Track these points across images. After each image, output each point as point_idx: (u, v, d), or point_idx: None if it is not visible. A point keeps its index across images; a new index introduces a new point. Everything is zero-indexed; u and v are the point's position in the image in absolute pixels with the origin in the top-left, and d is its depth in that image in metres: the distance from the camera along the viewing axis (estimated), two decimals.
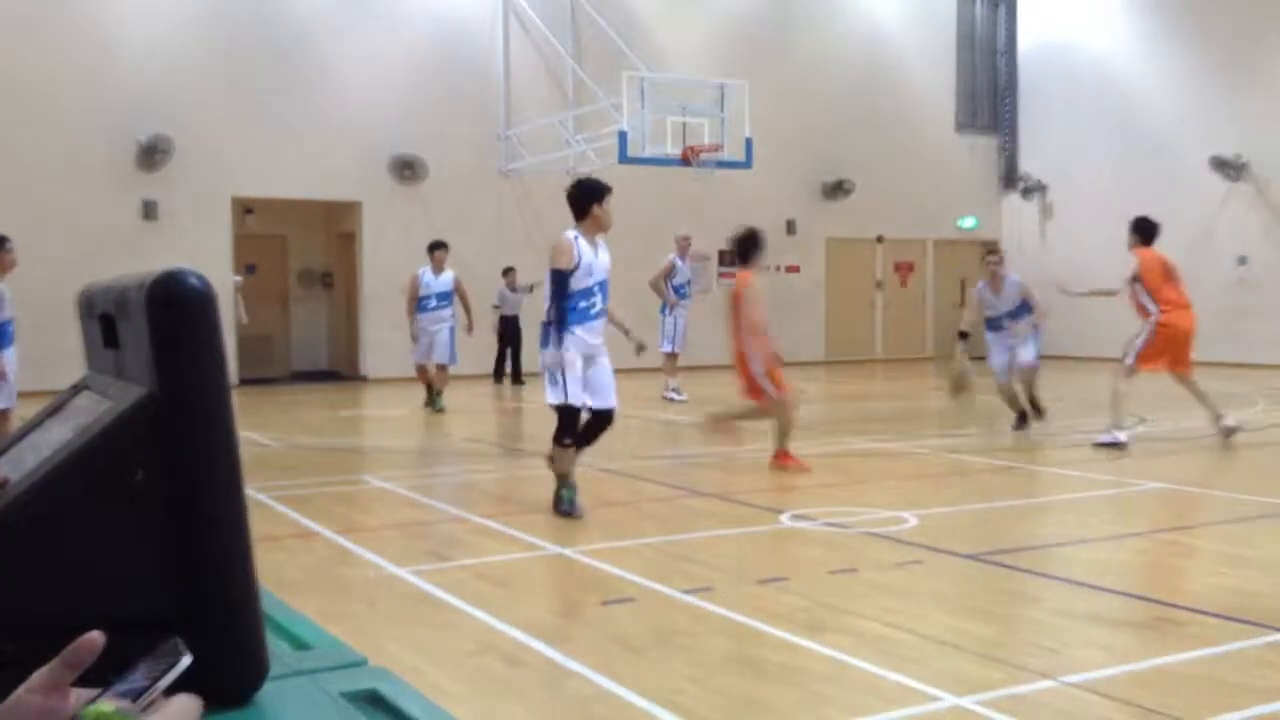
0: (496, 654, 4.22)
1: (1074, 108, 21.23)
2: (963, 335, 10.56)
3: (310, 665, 1.22)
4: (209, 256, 15.33)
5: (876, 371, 19.69)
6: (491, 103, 18.11)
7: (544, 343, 6.66)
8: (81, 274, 2.44)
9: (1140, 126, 19.88)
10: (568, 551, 5.92)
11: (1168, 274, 9.50)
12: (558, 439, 6.67)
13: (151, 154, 15.81)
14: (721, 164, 15.79)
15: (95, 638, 0.85)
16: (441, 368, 12.86)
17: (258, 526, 1.06)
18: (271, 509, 7.00)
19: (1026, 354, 10.22)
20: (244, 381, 16.12)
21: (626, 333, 7.05)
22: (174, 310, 1.07)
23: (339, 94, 17.03)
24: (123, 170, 15.81)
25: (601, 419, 6.72)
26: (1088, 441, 9.51)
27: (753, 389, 8.43)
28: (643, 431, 10.97)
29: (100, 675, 0.86)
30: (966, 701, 3.58)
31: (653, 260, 13.98)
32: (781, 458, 8.39)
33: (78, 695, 0.86)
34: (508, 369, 16.45)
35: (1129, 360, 9.43)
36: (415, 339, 12.78)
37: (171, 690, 0.87)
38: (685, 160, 15.34)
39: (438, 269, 12.81)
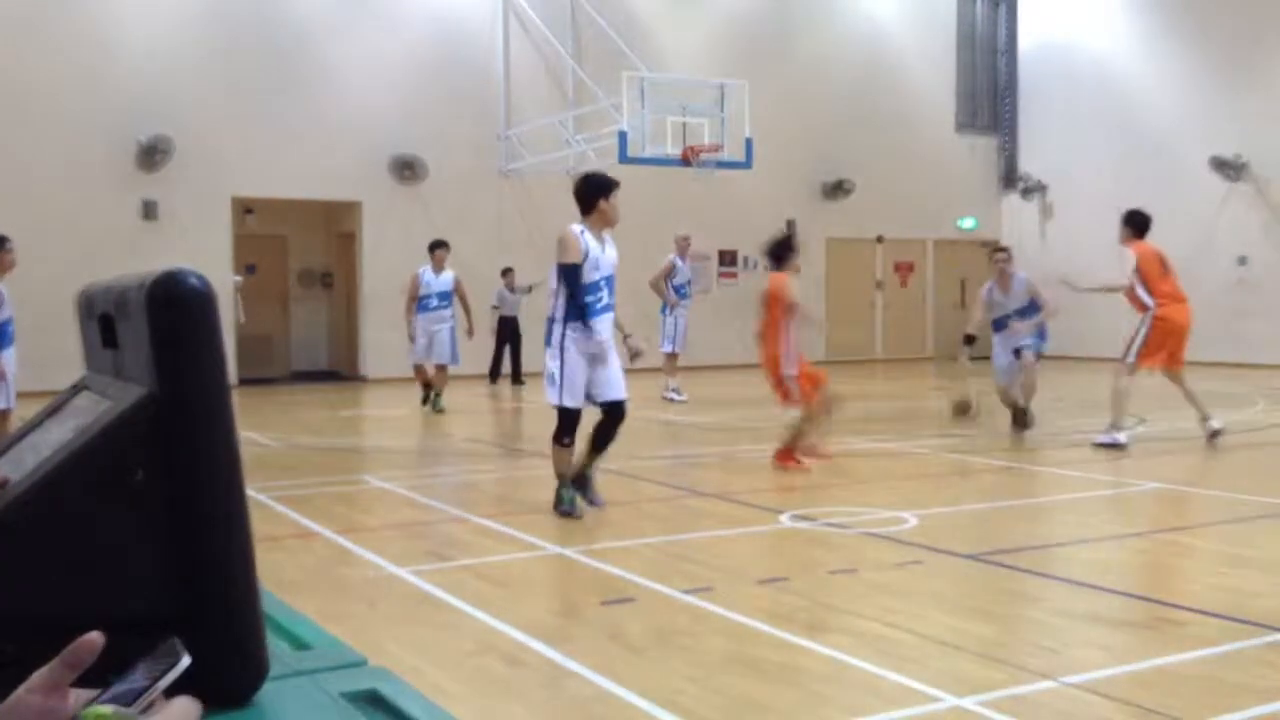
0: (496, 654, 4.22)
1: (1074, 108, 21.23)
2: (969, 339, 10.44)
3: (310, 665, 1.22)
4: (209, 256, 15.33)
5: (876, 371, 19.68)
6: (491, 103, 18.12)
7: (548, 340, 6.63)
8: (81, 274, 2.44)
9: (1140, 126, 19.88)
10: (568, 551, 5.92)
11: (1164, 267, 9.46)
12: (557, 438, 6.66)
13: (151, 154, 15.81)
14: (721, 164, 15.79)
15: (95, 638, 0.85)
16: (441, 368, 12.84)
17: (258, 526, 1.06)
18: (271, 509, 7.00)
19: (1025, 340, 10.11)
20: (244, 381, 16.12)
21: (626, 336, 6.96)
22: (174, 310, 1.07)
23: (339, 94, 17.04)
24: (123, 170, 15.81)
25: (612, 415, 6.64)
26: (1087, 441, 9.50)
27: (783, 390, 8.32)
28: (643, 431, 10.96)
29: (100, 675, 0.86)
30: (966, 702, 3.58)
31: (652, 260, 13.98)
32: (783, 457, 8.34)
33: (77, 696, 0.86)
34: (505, 369, 16.43)
35: (1130, 359, 9.40)
36: (412, 338, 12.77)
37: (171, 691, 0.87)
38: (685, 160, 15.34)
39: (438, 268, 12.80)
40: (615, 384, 6.60)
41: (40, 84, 15.24)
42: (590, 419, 6.77)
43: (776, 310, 8.29)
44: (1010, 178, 22.63)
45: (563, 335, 6.53)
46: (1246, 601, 4.78)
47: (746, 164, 15.64)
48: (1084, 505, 7.54)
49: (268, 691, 1.11)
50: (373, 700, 1.13)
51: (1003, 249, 10.82)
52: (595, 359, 6.57)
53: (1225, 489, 7.59)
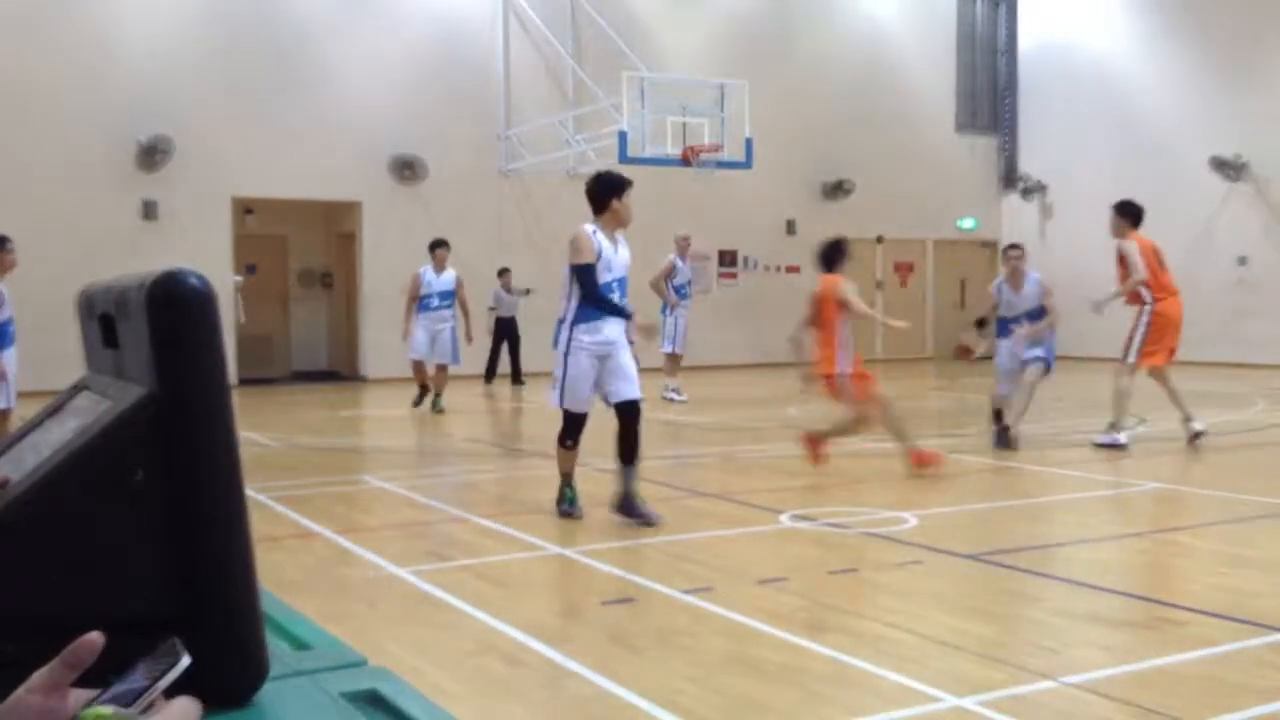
0: (496, 654, 4.22)
1: (1074, 108, 21.23)
2: (980, 322, 10.18)
3: (310, 665, 1.22)
4: (209, 256, 15.33)
5: (876, 371, 19.64)
6: (491, 103, 18.11)
7: (555, 343, 6.53)
8: (81, 274, 2.44)
9: (1140, 126, 19.88)
10: (568, 551, 5.92)
11: (1159, 259, 9.38)
12: (560, 440, 6.63)
13: (151, 154, 15.81)
14: (721, 164, 15.79)
15: (95, 638, 0.85)
16: (442, 368, 12.81)
17: (258, 526, 1.06)
18: (271, 509, 7.00)
19: (1036, 351, 9.62)
20: (244, 381, 16.12)
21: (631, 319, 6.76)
22: (174, 310, 1.07)
23: (339, 94, 17.04)
24: (123, 170, 15.82)
25: (624, 417, 6.45)
26: (1087, 441, 9.50)
27: (834, 389, 8.20)
28: (643, 432, 10.94)
29: (100, 675, 0.86)
30: (966, 702, 3.58)
31: (653, 260, 13.97)
32: (811, 442, 8.25)
33: (77, 696, 0.86)
34: (501, 369, 16.35)
35: (1131, 359, 9.36)
36: (407, 336, 12.70)
37: (171, 691, 0.87)
38: (685, 160, 15.34)
39: (439, 267, 12.79)
40: (627, 384, 6.44)
41: (40, 84, 15.25)
42: (595, 424, 6.72)
43: (829, 310, 8.16)
44: (1010, 178, 22.64)
45: (569, 339, 6.42)
46: (1246, 601, 4.78)
47: (746, 164, 15.64)
48: (1084, 505, 7.54)
49: (268, 691, 1.11)
50: (373, 700, 1.13)
51: (1016, 245, 10.22)
52: (605, 360, 6.43)
53: (1225, 489, 7.59)
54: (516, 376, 16.22)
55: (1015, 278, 9.73)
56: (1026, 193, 22.25)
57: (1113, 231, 9.50)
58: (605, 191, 6.47)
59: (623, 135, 14.82)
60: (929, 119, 21.93)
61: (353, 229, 17.82)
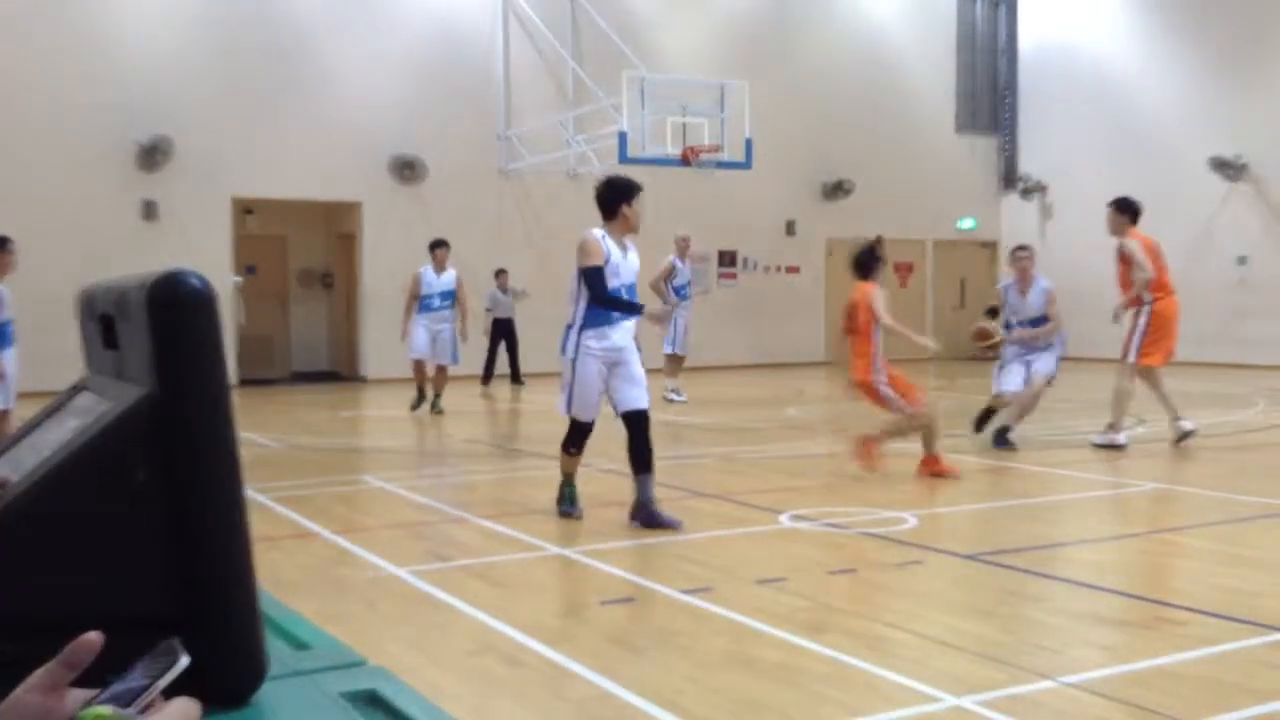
0: (496, 654, 4.22)
1: (1074, 108, 21.24)
2: (993, 311, 10.01)
3: (309, 665, 1.22)
4: (209, 257, 15.34)
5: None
6: (491, 103, 18.12)
7: (563, 348, 6.45)
8: (82, 274, 2.45)
9: (1140, 127, 19.89)
10: (568, 552, 5.92)
11: (1159, 257, 9.31)
12: (564, 446, 6.59)
13: (151, 154, 15.82)
14: (721, 164, 15.79)
15: (94, 638, 0.86)
16: (442, 369, 12.79)
17: (257, 526, 1.06)
18: (271, 509, 7.00)
19: (1045, 364, 9.44)
20: (244, 382, 16.13)
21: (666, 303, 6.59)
22: (174, 311, 1.08)
23: (339, 94, 17.04)
24: (123, 170, 15.82)
25: (633, 426, 6.33)
26: (1087, 442, 9.50)
27: (877, 397, 8.06)
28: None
29: (99, 675, 0.86)
30: (966, 701, 3.58)
31: (653, 261, 13.96)
32: (865, 445, 8.02)
33: (75, 696, 0.86)
34: (501, 370, 16.34)
35: (1132, 359, 9.33)
36: (405, 336, 12.66)
37: (170, 691, 0.87)
38: (685, 160, 15.33)
39: (439, 267, 12.77)
40: (635, 392, 6.34)
41: (41, 84, 15.25)
42: (599, 424, 6.69)
43: (864, 318, 8.07)
44: (1010, 178, 22.64)
45: (577, 345, 6.34)
46: (1245, 601, 4.78)
47: (746, 164, 15.64)
48: (1083, 505, 7.55)
49: (267, 691, 1.11)
50: (371, 700, 1.14)
51: (1024, 247, 9.96)
52: (614, 367, 6.33)
53: (1224, 489, 7.59)
54: (516, 376, 16.22)
55: (1024, 280, 9.56)
56: (1026, 193, 22.26)
57: (1112, 230, 9.39)
58: (615, 197, 6.39)
59: (623, 135, 14.82)
60: (929, 119, 21.93)
61: (353, 229, 17.83)
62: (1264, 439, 10.34)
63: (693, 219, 16.86)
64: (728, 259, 20.30)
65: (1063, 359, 9.81)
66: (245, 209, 17.41)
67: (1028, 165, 22.38)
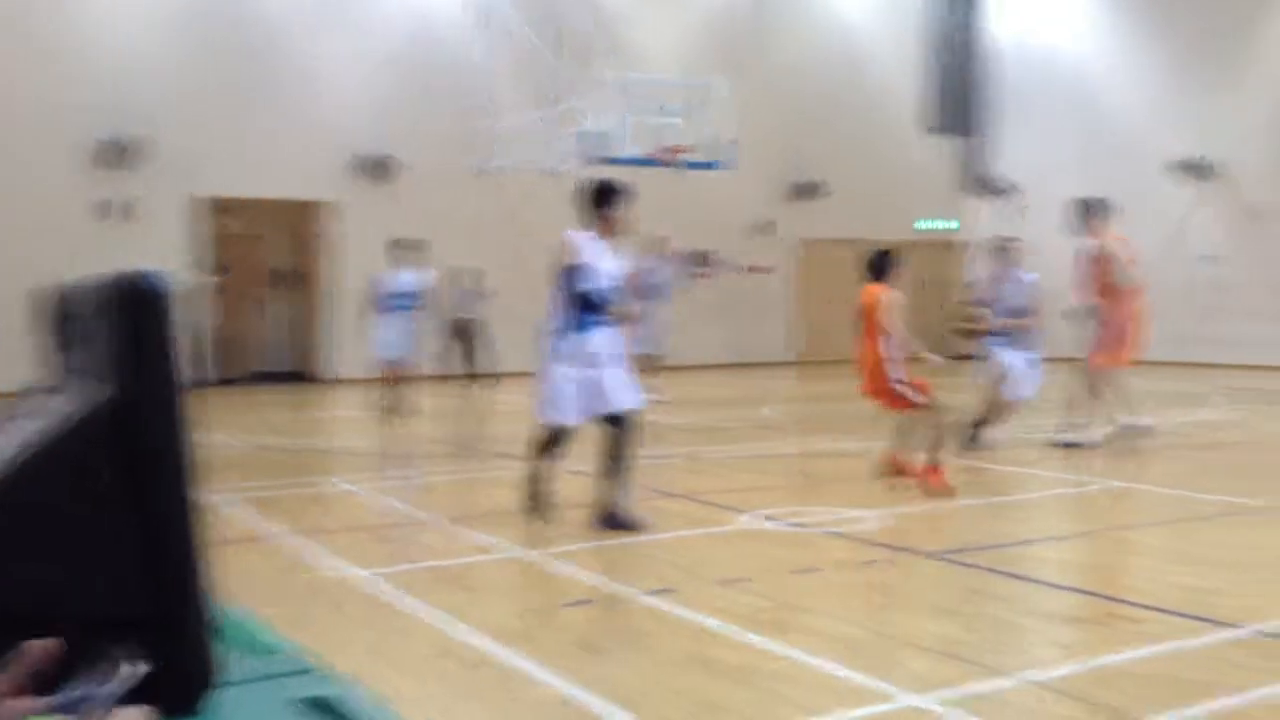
0: (457, 658, 4.21)
1: (1045, 109, 21.39)
2: (981, 302, 9.96)
3: (268, 670, 1.21)
4: (179, 256, 15.23)
5: (850, 372, 19.74)
6: (467, 101, 18.04)
7: (541, 353, 6.40)
8: (47, 274, 2.42)
9: (1110, 127, 20.05)
10: (532, 554, 5.91)
11: (1116, 260, 9.37)
12: (538, 451, 6.50)
13: (122, 153, 15.68)
14: (696, 165, 15.79)
15: (44, 644, 0.85)
16: (406, 369, 12.64)
17: (220, 529, 1.05)
18: (234, 511, 6.95)
19: (1027, 387, 9.35)
20: (222, 381, 15.99)
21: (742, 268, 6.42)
22: (136, 310, 1.07)
23: (312, 92, 16.95)
24: (91, 169, 15.68)
25: (618, 429, 6.26)
26: (1051, 441, 9.56)
27: (894, 399, 7.69)
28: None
29: (52, 682, 0.85)
30: (925, 700, 3.60)
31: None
32: (929, 474, 7.48)
33: (21, 705, 0.85)
34: (468, 370, 16.21)
35: (1098, 359, 9.38)
36: (372, 338, 12.52)
37: (125, 699, 0.86)
38: (662, 160, 15.33)
39: (405, 267, 12.67)
40: (615, 394, 6.22)
41: (9, 82, 15.09)
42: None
43: (875, 319, 7.87)
44: (981, 179, 22.76)
45: (553, 349, 6.27)
46: (1204, 599, 4.82)
47: (724, 164, 15.66)
48: (1046, 504, 7.60)
49: (224, 698, 1.10)
50: (328, 706, 1.13)
51: (1010, 237, 9.85)
52: (592, 372, 6.20)
53: (1185, 488, 7.66)
54: (476, 376, 15.97)
55: (1006, 272, 9.51)
56: (998, 194, 22.38)
57: (1087, 230, 9.39)
58: (599, 199, 6.35)
59: (599, 135, 14.80)
60: (901, 120, 22.02)
61: (326, 229, 17.73)
62: (1224, 438, 10.44)
63: (667, 219, 16.82)
64: (701, 258, 20.31)
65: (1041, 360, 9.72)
66: (217, 208, 17.26)
67: (999, 166, 22.51)
